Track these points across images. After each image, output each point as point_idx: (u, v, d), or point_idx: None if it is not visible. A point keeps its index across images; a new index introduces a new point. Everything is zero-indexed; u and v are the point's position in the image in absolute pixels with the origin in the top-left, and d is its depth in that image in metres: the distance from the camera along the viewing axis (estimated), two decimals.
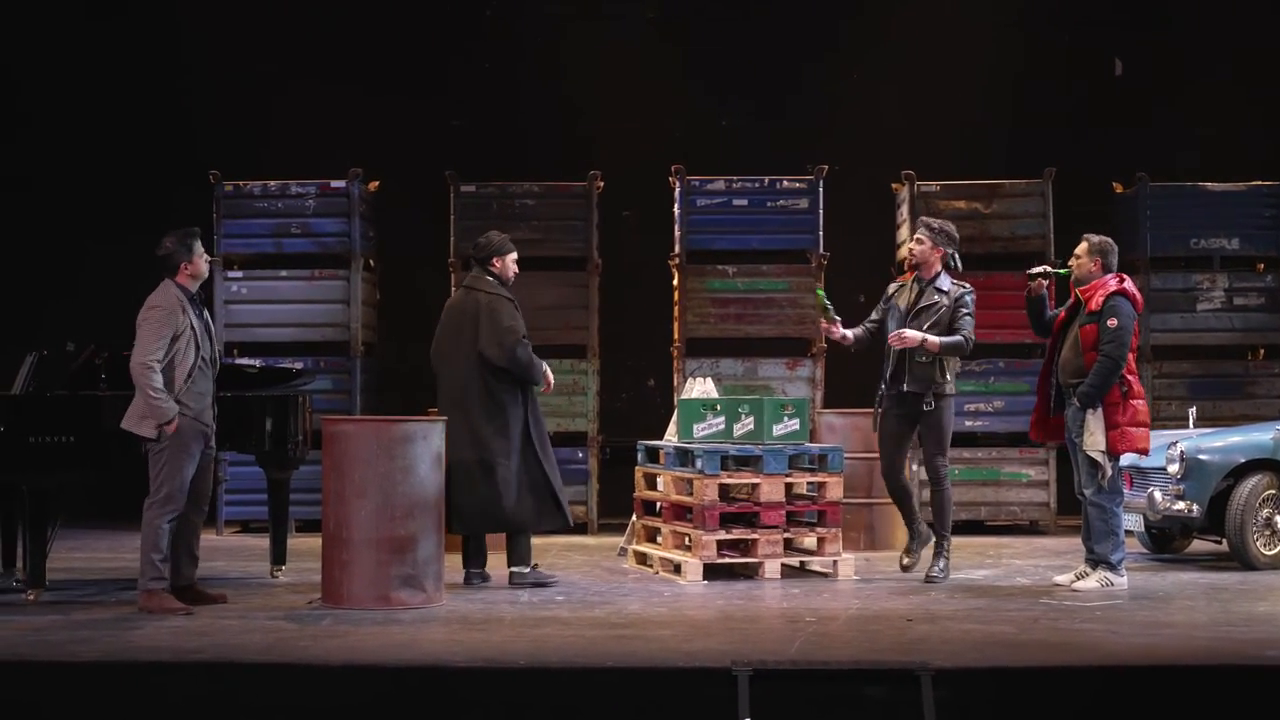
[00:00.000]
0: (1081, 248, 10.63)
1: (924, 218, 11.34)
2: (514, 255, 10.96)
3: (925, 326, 10.84)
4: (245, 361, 13.21)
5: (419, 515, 9.62)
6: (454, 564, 10.81)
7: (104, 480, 10.46)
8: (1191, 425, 12.55)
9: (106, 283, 15.13)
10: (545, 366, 10.64)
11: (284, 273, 14.34)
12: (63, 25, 15.79)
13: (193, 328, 9.58)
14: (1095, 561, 10.50)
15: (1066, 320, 10.61)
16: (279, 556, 11.08)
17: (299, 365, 12.40)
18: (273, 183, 14.36)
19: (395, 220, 15.07)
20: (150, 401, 9.37)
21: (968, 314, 10.90)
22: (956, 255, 11.05)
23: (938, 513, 11.08)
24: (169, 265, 9.69)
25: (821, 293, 11.27)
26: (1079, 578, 10.51)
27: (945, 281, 10.98)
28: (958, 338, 10.84)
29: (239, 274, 14.35)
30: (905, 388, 10.89)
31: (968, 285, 11.03)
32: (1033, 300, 10.76)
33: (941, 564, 10.98)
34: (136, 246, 14.90)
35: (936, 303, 10.92)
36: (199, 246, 9.76)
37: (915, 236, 11.09)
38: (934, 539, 11.07)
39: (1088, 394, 10.29)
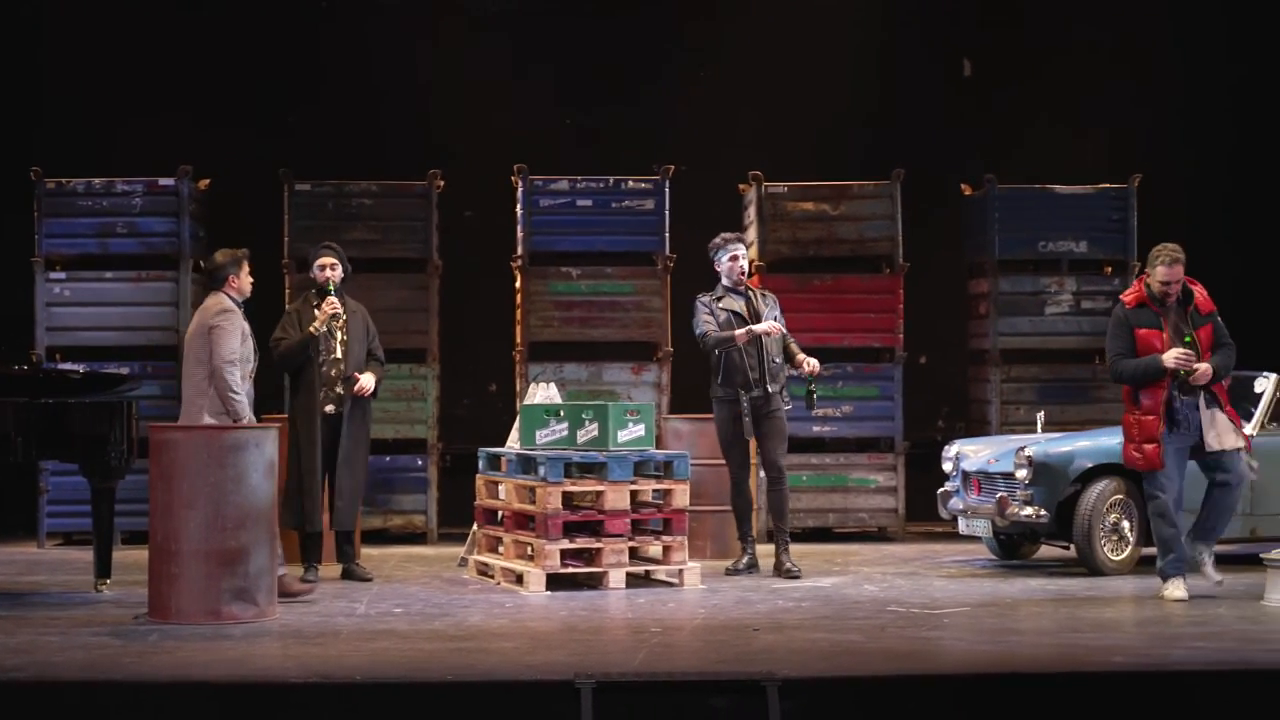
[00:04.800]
0: (1180, 266, 10.48)
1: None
2: (318, 261, 11.66)
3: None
4: (67, 366, 12.94)
5: (251, 526, 9.51)
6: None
7: None
8: (1039, 429, 12.77)
9: None
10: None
11: (109, 274, 14.09)
12: None
13: (247, 333, 10.39)
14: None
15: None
16: (103, 570, 10.89)
17: (124, 370, 12.22)
18: (97, 180, 14.10)
19: (227, 220, 14.86)
20: (230, 400, 10.14)
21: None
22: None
23: None
24: (217, 278, 10.49)
25: None
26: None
27: None
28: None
29: (61, 275, 14.06)
30: None
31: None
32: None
33: None
34: None
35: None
36: (247, 266, 10.58)
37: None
38: None
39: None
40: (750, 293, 11.91)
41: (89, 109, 15.25)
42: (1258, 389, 12.05)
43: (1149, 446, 10.38)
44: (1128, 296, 10.63)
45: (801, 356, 11.79)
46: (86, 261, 14.15)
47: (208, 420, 10.11)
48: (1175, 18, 16.25)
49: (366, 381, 11.41)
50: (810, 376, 11.74)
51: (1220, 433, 10.48)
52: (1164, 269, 10.43)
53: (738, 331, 11.62)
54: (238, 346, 10.26)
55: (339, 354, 11.41)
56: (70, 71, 15.36)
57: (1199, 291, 10.53)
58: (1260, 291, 15.51)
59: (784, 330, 11.83)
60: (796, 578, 11.48)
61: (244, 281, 10.54)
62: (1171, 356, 10.29)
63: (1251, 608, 10.09)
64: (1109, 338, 10.59)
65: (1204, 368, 10.36)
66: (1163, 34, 16.24)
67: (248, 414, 10.21)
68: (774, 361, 11.67)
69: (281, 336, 11.42)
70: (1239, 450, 10.54)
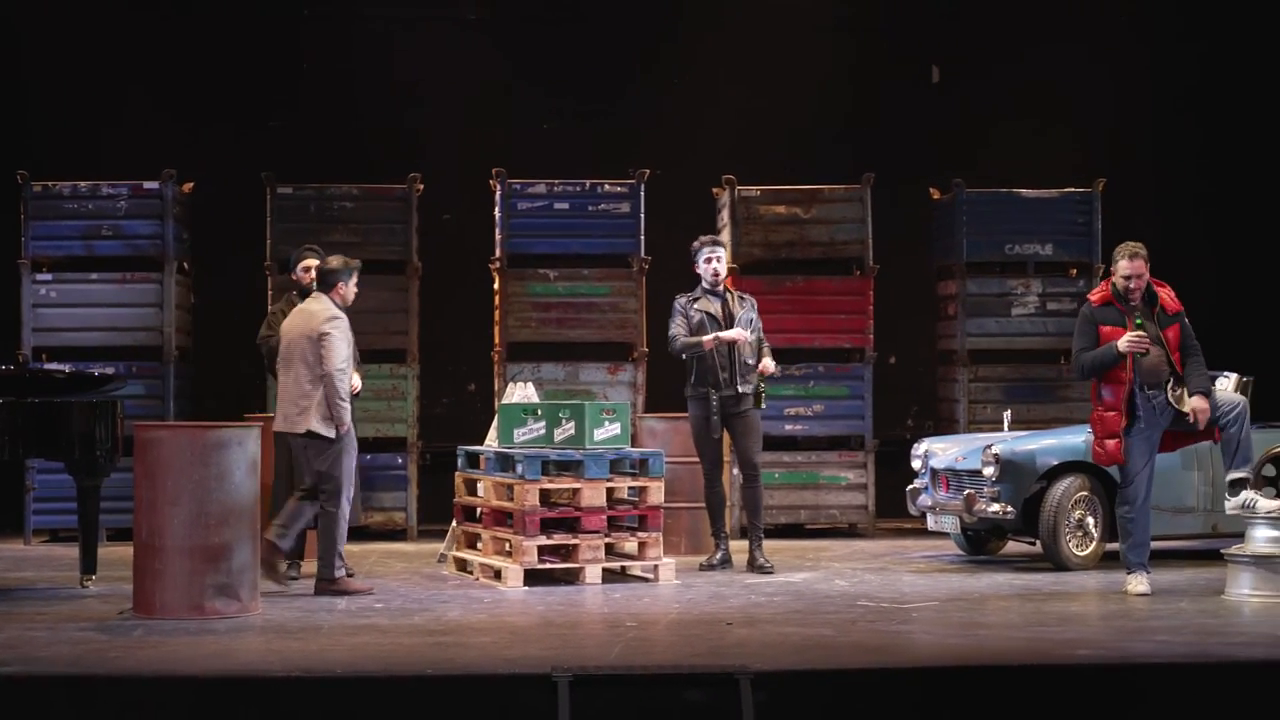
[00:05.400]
0: (1141, 260, 10.46)
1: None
2: (301, 263, 11.42)
3: None
4: (54, 366, 12.91)
5: (234, 523, 9.52)
6: None
7: None
8: (1006, 428, 12.82)
9: None
10: None
11: (94, 275, 14.10)
12: None
13: (350, 340, 10.61)
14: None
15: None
16: (89, 566, 10.88)
17: (110, 370, 12.21)
18: (83, 183, 14.11)
19: (211, 222, 14.87)
20: (338, 406, 10.35)
21: None
22: None
23: None
24: (327, 282, 10.66)
25: None
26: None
27: None
28: None
29: (48, 277, 14.06)
30: None
31: None
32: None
33: None
34: None
35: None
36: (356, 277, 10.77)
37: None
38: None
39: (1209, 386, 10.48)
40: (727, 295, 11.95)
41: (75, 113, 15.26)
42: (1219, 387, 12.10)
43: (1110, 442, 10.43)
44: (1094, 296, 10.68)
45: (765, 360, 11.83)
46: (72, 263, 14.15)
47: (315, 423, 10.30)
48: (1141, 22, 16.32)
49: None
50: (760, 376, 11.80)
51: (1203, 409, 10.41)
52: (1125, 263, 10.46)
53: (704, 339, 11.67)
54: (347, 353, 10.43)
55: None
56: (56, 76, 15.35)
57: (1165, 292, 10.57)
58: (1227, 293, 15.58)
59: (760, 334, 11.88)
60: (769, 573, 11.52)
61: (350, 290, 10.72)
62: (1125, 341, 10.34)
63: (1212, 602, 10.15)
64: (1075, 335, 10.62)
65: (1201, 406, 10.35)
66: (1129, 39, 16.31)
67: (349, 420, 10.45)
68: (745, 363, 11.72)
69: (270, 334, 11.40)
70: (1214, 392, 10.53)
